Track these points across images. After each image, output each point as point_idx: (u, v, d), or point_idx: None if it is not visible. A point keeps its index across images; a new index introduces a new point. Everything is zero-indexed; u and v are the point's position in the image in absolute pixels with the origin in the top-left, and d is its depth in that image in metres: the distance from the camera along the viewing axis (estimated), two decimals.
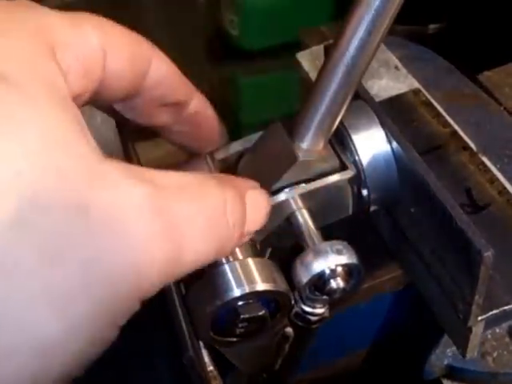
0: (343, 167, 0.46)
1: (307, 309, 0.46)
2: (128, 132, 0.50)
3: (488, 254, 0.36)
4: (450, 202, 0.38)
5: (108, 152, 0.33)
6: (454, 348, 0.59)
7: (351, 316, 0.60)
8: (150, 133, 0.48)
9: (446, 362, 0.62)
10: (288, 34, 1.00)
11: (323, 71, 0.41)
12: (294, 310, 0.45)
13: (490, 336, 0.60)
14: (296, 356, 0.50)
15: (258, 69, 1.68)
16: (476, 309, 0.40)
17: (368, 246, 0.53)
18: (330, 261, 0.41)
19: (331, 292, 0.43)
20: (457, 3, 1.43)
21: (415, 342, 0.67)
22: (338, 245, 0.42)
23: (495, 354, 0.60)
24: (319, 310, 0.46)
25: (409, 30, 1.43)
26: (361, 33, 0.38)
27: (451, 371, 0.62)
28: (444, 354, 0.62)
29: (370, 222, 0.54)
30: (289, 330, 0.47)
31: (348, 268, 0.42)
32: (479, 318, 0.41)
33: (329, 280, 0.42)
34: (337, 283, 0.42)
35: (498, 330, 0.61)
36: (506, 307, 0.42)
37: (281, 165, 0.45)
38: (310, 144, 0.44)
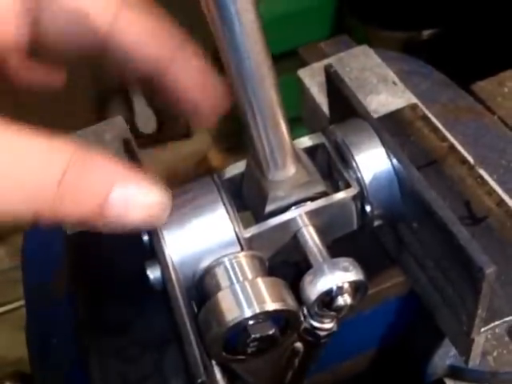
0: (347, 185, 0.47)
1: (316, 324, 0.47)
2: (135, 148, 0.51)
3: (490, 271, 0.37)
4: (451, 219, 0.39)
5: None
6: None
7: (354, 321, 0.61)
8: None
9: (448, 363, 0.63)
10: (285, 44, 1.03)
11: (238, 109, 0.42)
12: (302, 326, 0.46)
13: (489, 336, 0.61)
14: (305, 369, 0.51)
15: None
16: (479, 322, 0.41)
17: (370, 252, 0.54)
18: (338, 278, 0.42)
19: (339, 308, 0.44)
20: (450, 10, 1.44)
21: (418, 343, 0.68)
22: (345, 262, 0.43)
23: (495, 354, 0.61)
24: (328, 325, 0.47)
25: (402, 36, 1.45)
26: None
27: (453, 371, 0.63)
28: (446, 355, 0.63)
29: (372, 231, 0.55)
30: (298, 345, 0.48)
31: (355, 284, 0.43)
32: (482, 330, 0.42)
33: (336, 297, 0.43)
34: (344, 300, 0.43)
35: (497, 330, 0.62)
36: (507, 318, 0.43)
37: (260, 198, 0.46)
38: (277, 175, 0.45)
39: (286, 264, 0.49)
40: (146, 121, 1.38)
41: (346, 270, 0.43)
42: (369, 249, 0.53)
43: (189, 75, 0.46)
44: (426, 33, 1.49)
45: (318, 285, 0.43)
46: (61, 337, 0.52)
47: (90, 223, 0.39)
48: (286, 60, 0.83)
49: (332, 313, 0.45)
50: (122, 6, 0.44)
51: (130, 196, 0.39)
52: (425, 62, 0.66)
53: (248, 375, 0.49)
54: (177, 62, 0.46)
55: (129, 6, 0.44)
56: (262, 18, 0.36)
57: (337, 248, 0.46)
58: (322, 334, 0.47)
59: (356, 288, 0.44)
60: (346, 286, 0.43)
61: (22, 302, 1.97)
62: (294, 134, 0.45)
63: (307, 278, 0.43)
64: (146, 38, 0.45)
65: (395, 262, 0.57)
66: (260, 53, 0.37)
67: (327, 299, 0.43)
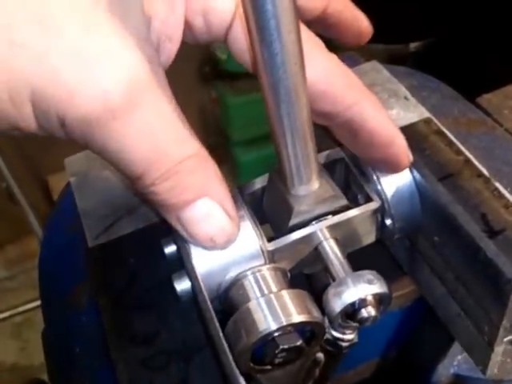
0: (367, 199, 0.48)
1: (338, 335, 0.47)
2: None
3: None
4: (478, 233, 0.40)
5: None
6: (460, 357, 0.60)
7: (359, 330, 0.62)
8: None
9: (452, 371, 0.64)
10: None
11: (269, 125, 0.42)
12: (324, 336, 0.47)
13: None
14: (326, 378, 0.52)
15: (244, 89, 1.73)
16: (503, 332, 0.42)
17: (376, 264, 0.54)
18: (363, 291, 0.43)
19: (362, 320, 0.44)
20: (436, 23, 1.46)
21: (422, 352, 0.69)
22: (369, 275, 0.44)
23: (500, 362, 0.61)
24: (349, 336, 0.48)
25: (389, 49, 1.47)
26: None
27: (457, 379, 0.64)
28: (450, 364, 0.64)
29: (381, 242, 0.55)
30: (320, 355, 0.49)
31: (379, 296, 0.44)
32: (505, 340, 0.43)
33: (360, 309, 0.44)
34: (368, 311, 0.44)
35: None
36: None
37: (284, 213, 0.47)
38: (301, 189, 0.46)
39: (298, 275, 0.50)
40: None
41: (370, 282, 0.44)
42: (374, 261, 0.54)
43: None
44: (413, 45, 1.51)
45: (343, 297, 0.43)
46: (85, 346, 0.52)
47: (167, 211, 0.41)
48: None
49: (355, 324, 0.45)
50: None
51: (212, 211, 0.41)
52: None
53: None
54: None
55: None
56: None
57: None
58: (344, 344, 0.48)
59: (380, 300, 0.44)
60: (370, 298, 0.44)
61: (15, 311, 1.96)
62: None
63: (331, 291, 0.44)
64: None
65: (402, 274, 0.57)
66: (298, 74, 0.38)
67: (350, 311, 0.44)
